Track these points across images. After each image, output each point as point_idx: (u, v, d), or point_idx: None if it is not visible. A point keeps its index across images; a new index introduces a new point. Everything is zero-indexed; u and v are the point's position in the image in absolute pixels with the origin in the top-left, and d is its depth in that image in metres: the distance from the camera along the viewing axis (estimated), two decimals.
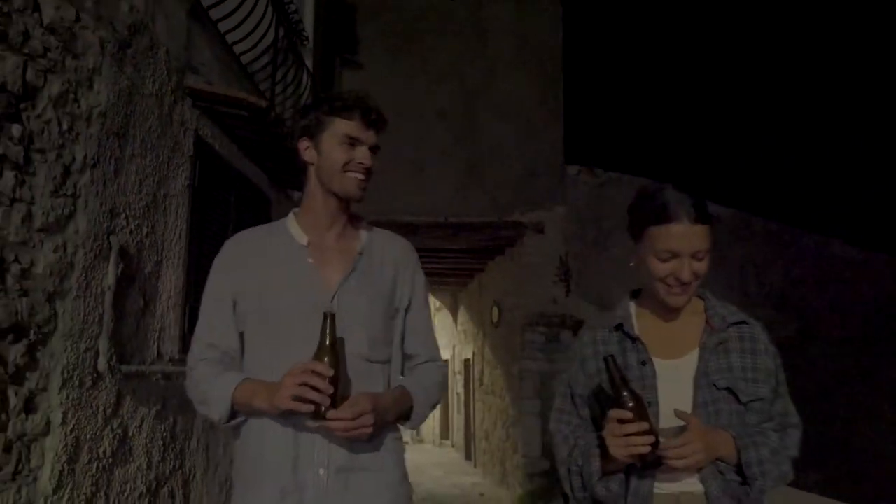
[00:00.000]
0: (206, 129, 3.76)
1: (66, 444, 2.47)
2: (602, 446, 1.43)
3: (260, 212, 4.76)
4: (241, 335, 1.62)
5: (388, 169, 8.00)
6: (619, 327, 1.60)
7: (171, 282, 3.32)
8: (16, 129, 2.22)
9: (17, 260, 2.22)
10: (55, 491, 2.41)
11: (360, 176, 1.61)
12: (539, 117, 8.78)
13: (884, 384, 9.49)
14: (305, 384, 1.39)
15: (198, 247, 3.59)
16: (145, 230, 3.08)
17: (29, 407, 2.30)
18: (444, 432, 15.93)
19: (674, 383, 1.48)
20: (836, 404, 9.10)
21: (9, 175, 2.19)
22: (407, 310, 1.73)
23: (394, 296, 1.69)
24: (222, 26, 4.02)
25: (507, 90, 8.76)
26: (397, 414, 1.62)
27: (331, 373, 1.40)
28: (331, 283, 1.60)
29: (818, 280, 9.55)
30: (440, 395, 1.73)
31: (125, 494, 2.92)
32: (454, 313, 13.85)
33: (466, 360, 12.56)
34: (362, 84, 8.50)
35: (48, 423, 2.40)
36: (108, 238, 2.75)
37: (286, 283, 1.59)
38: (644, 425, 1.35)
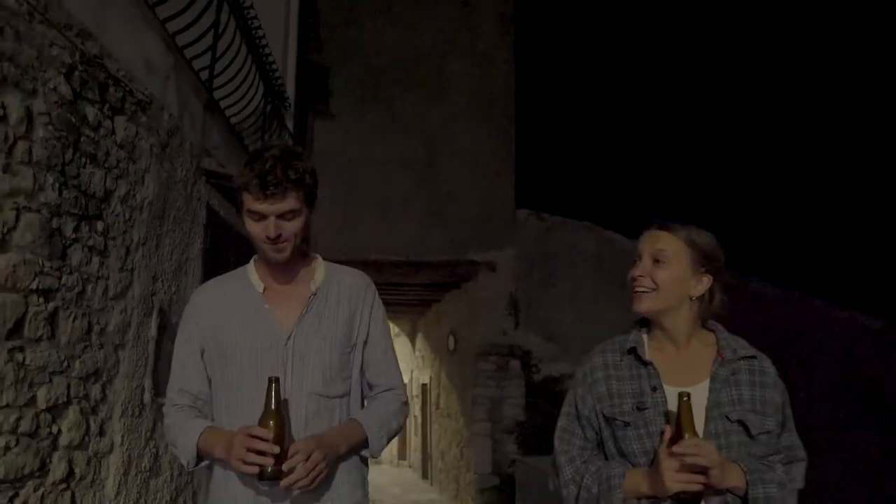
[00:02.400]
0: (215, 200, 4.55)
1: (123, 460, 3.22)
2: (621, 476, 1.49)
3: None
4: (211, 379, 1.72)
5: (355, 211, 8.91)
6: (631, 351, 1.61)
7: None
8: (100, 225, 3.00)
9: (98, 322, 2.99)
10: (115, 496, 3.15)
11: (272, 246, 1.63)
12: (493, 165, 9.72)
13: (792, 405, 10.54)
14: (249, 448, 1.47)
15: None
16: (174, 289, 3.85)
17: (101, 431, 3.05)
18: (402, 453, 16.63)
19: None
20: None
21: (95, 260, 2.96)
22: (365, 343, 1.78)
23: (350, 332, 1.74)
24: (223, 101, 4.79)
25: (465, 140, 9.69)
26: (349, 446, 1.66)
27: (269, 436, 1.47)
28: (286, 326, 1.68)
29: (737, 315, 10.64)
30: (399, 421, 1.78)
31: (156, 501, 3.65)
32: (412, 339, 14.64)
33: (424, 385, 13.33)
34: (330, 131, 9.33)
35: (112, 443, 3.14)
36: (151, 299, 3.52)
37: (244, 328, 1.67)
38: (703, 465, 1.36)
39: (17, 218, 2.42)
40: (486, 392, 8.79)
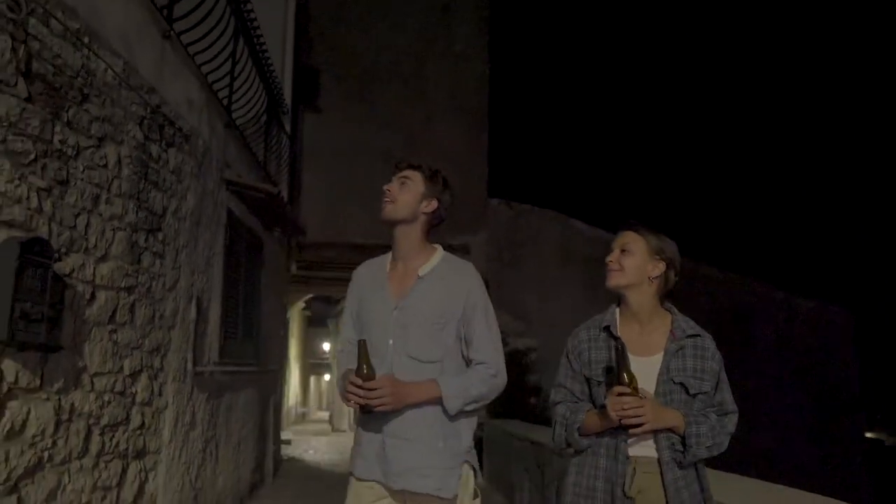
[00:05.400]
0: (232, 203, 5.43)
1: (173, 415, 4.15)
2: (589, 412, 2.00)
3: (256, 251, 6.43)
4: None
5: (342, 199, 9.76)
6: (605, 329, 2.07)
7: (215, 312, 5.00)
8: (160, 235, 3.90)
9: (159, 309, 3.90)
10: (169, 442, 4.10)
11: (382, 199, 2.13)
12: (467, 157, 10.61)
13: (734, 376, 11.72)
14: (350, 392, 1.93)
15: (227, 286, 5.27)
16: (205, 280, 4.76)
17: (160, 392, 3.98)
18: None
19: (643, 374, 1.89)
20: None
21: (157, 262, 3.86)
22: (462, 321, 2.09)
23: (444, 311, 2.07)
24: (239, 119, 5.64)
25: (442, 134, 10.55)
26: (419, 398, 2.00)
27: (360, 382, 1.92)
28: (395, 300, 2.11)
29: (689, 294, 11.77)
30: (481, 390, 2.06)
31: (193, 448, 4.60)
32: None
33: None
34: (319, 125, 10.17)
35: (167, 402, 4.08)
36: (191, 289, 4.43)
37: (372, 299, 2.16)
38: (638, 400, 1.82)
39: (114, 236, 3.33)
40: None
